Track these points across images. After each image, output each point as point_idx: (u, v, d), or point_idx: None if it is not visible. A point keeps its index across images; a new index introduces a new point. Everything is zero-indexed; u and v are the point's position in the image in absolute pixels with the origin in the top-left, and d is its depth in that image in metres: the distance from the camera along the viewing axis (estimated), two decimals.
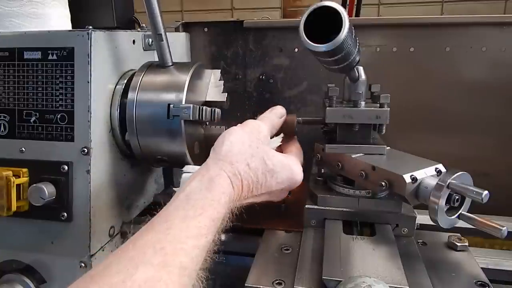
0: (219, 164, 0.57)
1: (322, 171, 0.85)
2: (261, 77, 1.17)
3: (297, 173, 0.66)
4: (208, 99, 0.81)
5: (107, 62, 0.73)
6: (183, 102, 0.70)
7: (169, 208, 0.51)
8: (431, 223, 0.65)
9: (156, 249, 0.43)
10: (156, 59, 0.77)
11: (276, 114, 0.73)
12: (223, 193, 0.54)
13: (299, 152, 0.74)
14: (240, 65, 1.18)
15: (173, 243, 0.45)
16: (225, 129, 0.83)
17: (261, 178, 0.60)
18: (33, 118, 0.69)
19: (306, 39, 0.60)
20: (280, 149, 0.72)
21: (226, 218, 0.56)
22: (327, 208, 0.76)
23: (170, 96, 0.71)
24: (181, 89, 0.71)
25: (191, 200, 0.51)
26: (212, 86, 0.82)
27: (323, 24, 0.59)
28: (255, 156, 0.60)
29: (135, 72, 0.76)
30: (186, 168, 0.69)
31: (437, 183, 0.63)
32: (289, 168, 0.64)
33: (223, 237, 0.91)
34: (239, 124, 0.66)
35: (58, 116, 0.68)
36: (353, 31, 0.63)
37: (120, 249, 0.45)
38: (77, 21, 0.90)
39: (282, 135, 0.72)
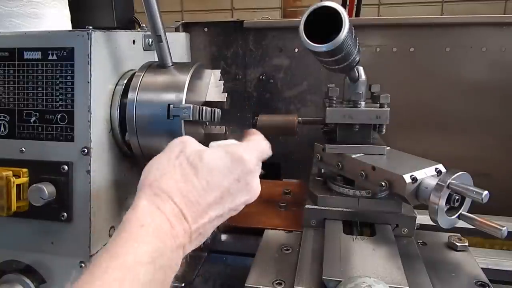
0: (137, 195, 0.47)
1: (322, 171, 0.85)
2: (261, 77, 1.17)
3: (239, 151, 0.51)
4: (208, 99, 0.81)
5: (107, 62, 0.72)
6: (183, 102, 0.70)
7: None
8: (431, 223, 0.65)
9: None
10: (156, 59, 0.77)
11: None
12: (142, 226, 0.42)
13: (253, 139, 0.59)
14: (240, 65, 1.18)
15: None
16: (226, 129, 0.83)
17: (198, 181, 0.48)
18: (33, 118, 0.69)
19: (306, 39, 0.60)
20: None
21: (173, 250, 0.44)
22: (327, 208, 0.76)
23: (170, 96, 0.71)
24: (181, 89, 0.71)
25: (103, 250, 0.42)
26: (212, 86, 0.82)
27: (323, 24, 0.59)
28: (176, 165, 0.49)
29: (135, 72, 0.76)
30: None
31: (437, 183, 0.63)
32: (223, 153, 0.51)
33: (223, 237, 0.92)
34: None
35: (58, 116, 0.68)
36: (353, 31, 0.63)
37: None
38: (77, 21, 0.90)
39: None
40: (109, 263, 0.39)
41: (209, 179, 0.48)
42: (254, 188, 0.52)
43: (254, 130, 0.62)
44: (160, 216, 0.44)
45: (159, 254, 0.42)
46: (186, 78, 0.72)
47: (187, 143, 0.53)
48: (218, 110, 0.69)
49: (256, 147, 0.55)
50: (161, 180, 0.47)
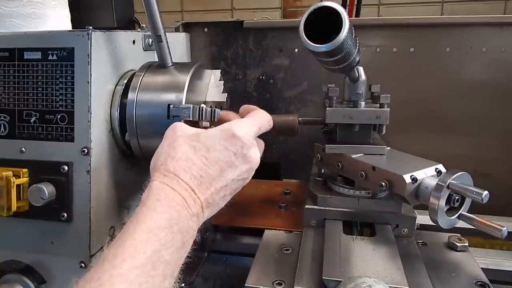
0: (150, 180, 0.54)
1: (322, 171, 0.85)
2: (261, 77, 1.17)
3: (232, 129, 0.57)
4: (208, 99, 0.81)
5: (107, 62, 0.72)
6: (183, 103, 0.70)
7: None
8: (431, 223, 0.65)
9: (93, 282, 0.42)
10: (156, 59, 0.77)
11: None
12: (158, 200, 0.50)
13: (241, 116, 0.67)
14: (240, 65, 1.18)
15: (108, 271, 0.43)
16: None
17: (197, 158, 0.54)
18: (33, 118, 0.69)
19: (306, 39, 0.60)
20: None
21: (188, 218, 0.51)
22: (327, 208, 0.76)
23: (170, 97, 0.71)
24: (181, 90, 0.71)
25: (128, 222, 0.49)
26: (212, 86, 0.82)
27: (323, 24, 0.59)
28: (176, 148, 0.55)
29: (135, 73, 0.76)
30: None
31: (437, 183, 0.63)
32: (218, 132, 0.57)
33: (223, 237, 0.92)
34: None
35: (58, 116, 0.68)
36: (353, 31, 0.63)
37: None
38: (77, 21, 0.90)
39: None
40: (135, 227, 0.47)
41: (207, 156, 0.55)
42: (253, 158, 0.58)
43: (252, 106, 0.69)
44: (172, 191, 0.51)
45: (175, 221, 0.49)
46: (186, 78, 0.72)
47: (181, 128, 0.59)
48: (218, 110, 0.69)
49: (252, 123, 0.61)
50: (166, 163, 0.53)
